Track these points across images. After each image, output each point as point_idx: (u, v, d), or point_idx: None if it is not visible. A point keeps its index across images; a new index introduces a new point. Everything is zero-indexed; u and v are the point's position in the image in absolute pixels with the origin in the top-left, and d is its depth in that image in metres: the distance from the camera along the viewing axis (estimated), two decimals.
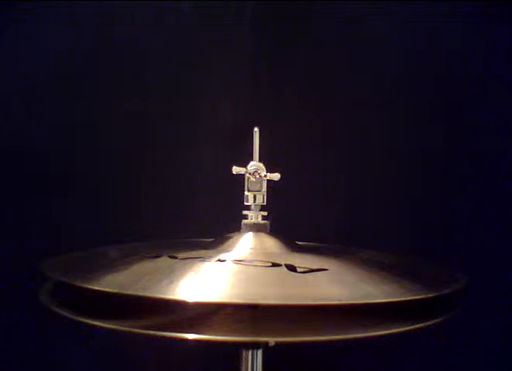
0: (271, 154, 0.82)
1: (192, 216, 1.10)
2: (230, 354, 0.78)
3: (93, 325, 0.64)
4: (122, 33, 1.14)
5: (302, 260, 0.73)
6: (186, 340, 0.60)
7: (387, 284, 0.68)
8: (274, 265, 0.70)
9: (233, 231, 0.82)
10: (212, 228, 0.87)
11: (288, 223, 0.85)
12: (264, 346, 0.78)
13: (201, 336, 0.60)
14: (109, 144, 1.14)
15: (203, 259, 0.71)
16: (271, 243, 0.80)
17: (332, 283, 0.68)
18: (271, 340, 0.71)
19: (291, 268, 0.69)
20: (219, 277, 0.67)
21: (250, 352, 0.78)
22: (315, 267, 0.70)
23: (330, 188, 1.12)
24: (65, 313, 0.67)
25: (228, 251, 0.77)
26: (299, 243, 0.87)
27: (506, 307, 1.10)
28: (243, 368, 0.78)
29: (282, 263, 0.70)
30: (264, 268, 0.69)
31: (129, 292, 0.61)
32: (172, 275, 0.65)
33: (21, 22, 1.12)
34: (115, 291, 0.62)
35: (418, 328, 0.65)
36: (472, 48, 1.12)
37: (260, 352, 0.78)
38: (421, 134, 1.12)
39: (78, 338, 1.08)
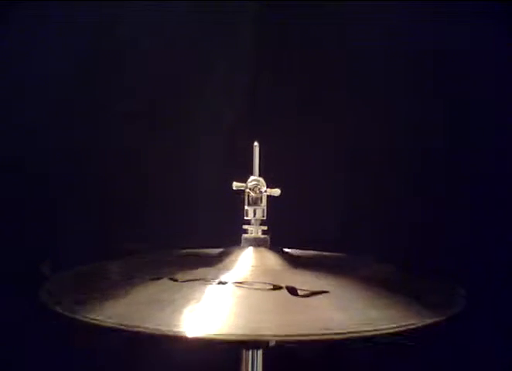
0: (271, 165, 0.82)
1: (192, 229, 1.10)
2: (230, 354, 0.78)
3: (94, 325, 0.63)
4: (122, 33, 1.13)
5: (302, 280, 0.73)
6: (186, 340, 0.59)
7: (389, 308, 0.68)
8: (275, 288, 0.69)
9: (234, 245, 0.81)
10: (212, 242, 0.86)
11: (287, 236, 0.85)
12: (264, 346, 0.78)
13: (201, 336, 0.59)
14: (109, 154, 1.13)
15: (204, 282, 0.71)
16: (271, 260, 0.79)
17: (334, 308, 0.67)
18: (271, 340, 0.72)
19: (293, 291, 0.68)
20: (220, 305, 0.67)
21: (250, 352, 0.78)
22: (316, 289, 0.69)
23: (330, 198, 1.12)
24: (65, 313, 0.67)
25: (229, 269, 0.76)
26: (299, 252, 0.87)
27: (507, 307, 1.11)
28: (243, 368, 0.78)
29: (283, 284, 0.69)
30: (265, 292, 0.69)
31: (129, 324, 0.61)
32: (172, 305, 0.65)
33: (20, 24, 1.11)
34: (116, 323, 0.61)
35: (418, 328, 0.65)
36: (472, 47, 1.11)
37: (260, 352, 0.78)
38: (421, 143, 1.11)
39: (78, 338, 1.09)
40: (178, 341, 0.60)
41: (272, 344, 0.76)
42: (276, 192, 0.81)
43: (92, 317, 0.63)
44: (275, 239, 0.82)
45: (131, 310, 0.65)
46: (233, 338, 0.60)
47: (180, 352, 1.07)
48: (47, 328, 1.07)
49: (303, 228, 1.09)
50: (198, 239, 0.98)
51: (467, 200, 1.12)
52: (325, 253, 0.93)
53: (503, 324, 1.11)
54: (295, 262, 0.81)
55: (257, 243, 0.81)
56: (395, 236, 1.11)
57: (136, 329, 0.60)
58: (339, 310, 0.67)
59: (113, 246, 1.00)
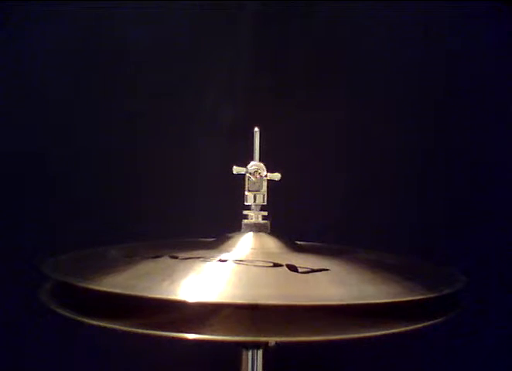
0: (272, 153, 0.82)
1: (192, 216, 1.10)
2: (230, 354, 0.78)
3: (94, 325, 0.63)
4: (121, 32, 1.14)
5: (303, 260, 0.73)
6: (186, 340, 0.59)
7: (387, 284, 0.68)
8: (276, 265, 0.70)
9: (234, 231, 0.82)
10: (212, 228, 0.87)
11: (288, 223, 0.85)
12: (264, 346, 0.78)
13: (201, 336, 0.59)
14: (109, 144, 1.13)
15: (204, 259, 0.71)
16: (271, 243, 0.80)
17: (334, 283, 0.68)
18: (271, 340, 0.72)
19: (293, 268, 0.68)
20: (220, 277, 0.67)
21: (250, 352, 0.78)
22: (316, 268, 0.69)
23: (330, 188, 1.12)
24: (65, 313, 0.67)
25: (229, 251, 0.76)
26: (299, 242, 0.87)
27: (506, 307, 1.10)
28: (243, 368, 0.78)
29: (283, 263, 0.70)
30: (265, 268, 0.69)
31: (130, 293, 0.61)
32: (173, 275, 0.65)
33: (18, 22, 1.12)
34: (116, 291, 0.61)
35: (418, 328, 0.65)
36: (469, 48, 1.12)
37: (260, 352, 0.78)
38: (420, 134, 1.12)
39: (78, 338, 1.08)
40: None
41: (272, 344, 0.76)
42: (276, 176, 0.82)
43: (92, 287, 0.63)
44: (275, 225, 0.83)
45: (131, 281, 0.65)
46: (229, 301, 0.60)
47: (180, 352, 1.07)
48: (47, 329, 1.08)
49: (304, 214, 1.09)
50: (198, 225, 0.98)
51: (467, 199, 1.12)
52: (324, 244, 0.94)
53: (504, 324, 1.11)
54: (295, 246, 0.82)
55: (257, 228, 0.81)
56: (396, 224, 1.11)
57: (135, 296, 0.60)
58: (338, 285, 0.67)
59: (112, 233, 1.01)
